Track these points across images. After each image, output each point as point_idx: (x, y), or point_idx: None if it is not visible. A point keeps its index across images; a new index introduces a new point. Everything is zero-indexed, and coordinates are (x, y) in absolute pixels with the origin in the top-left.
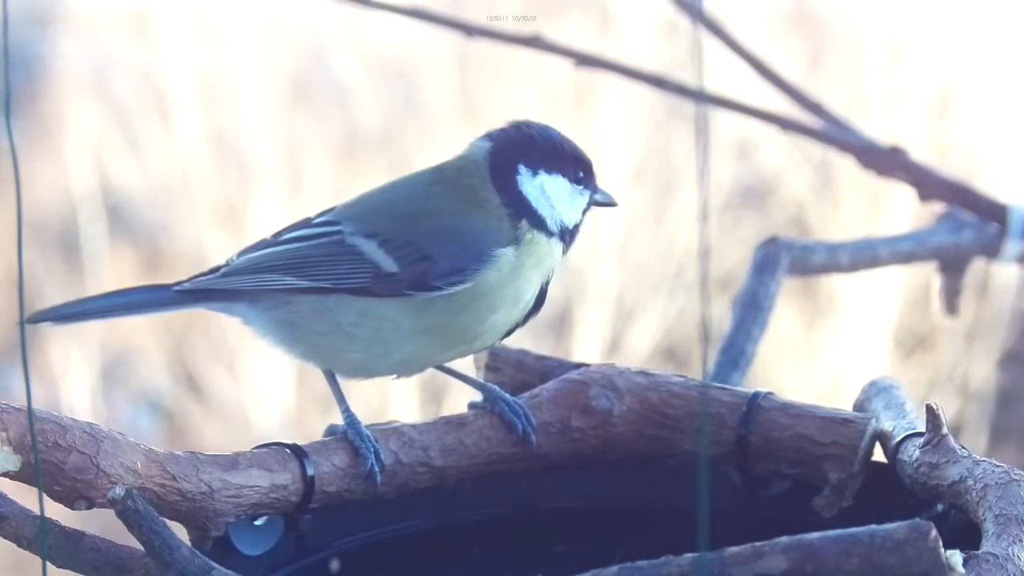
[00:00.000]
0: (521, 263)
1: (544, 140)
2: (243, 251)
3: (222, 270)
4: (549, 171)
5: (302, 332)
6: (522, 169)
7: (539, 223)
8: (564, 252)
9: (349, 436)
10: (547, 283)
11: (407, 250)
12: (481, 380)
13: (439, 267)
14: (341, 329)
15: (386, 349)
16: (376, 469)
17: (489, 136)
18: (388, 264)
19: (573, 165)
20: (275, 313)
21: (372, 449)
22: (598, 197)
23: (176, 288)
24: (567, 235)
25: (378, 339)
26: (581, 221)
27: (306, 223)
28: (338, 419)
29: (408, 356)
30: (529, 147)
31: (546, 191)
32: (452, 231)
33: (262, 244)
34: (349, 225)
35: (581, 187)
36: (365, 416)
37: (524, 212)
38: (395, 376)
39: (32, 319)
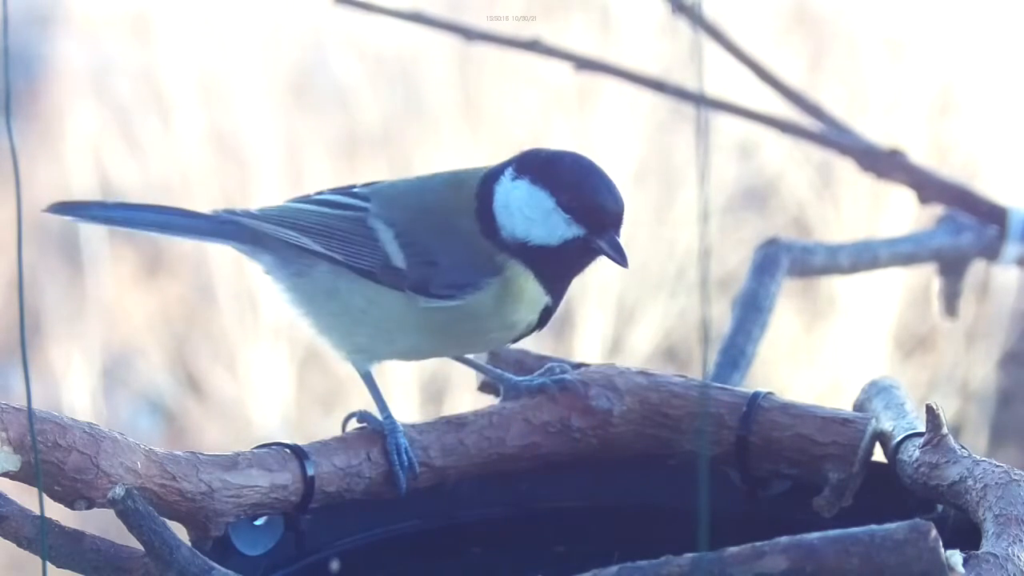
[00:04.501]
0: (503, 297)
1: (556, 159)
2: (288, 200)
3: (260, 210)
4: (533, 182)
5: (317, 308)
6: (507, 172)
7: (493, 233)
8: (546, 284)
9: (388, 446)
10: (547, 309)
11: (417, 249)
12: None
13: (441, 277)
14: (349, 312)
15: (390, 337)
16: (403, 480)
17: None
18: (398, 258)
19: (570, 194)
20: (296, 280)
21: (407, 461)
22: (602, 244)
23: (213, 217)
24: (525, 253)
25: (382, 327)
26: (554, 247)
27: (346, 190)
28: (338, 419)
29: (410, 347)
30: (534, 158)
31: (513, 196)
32: (455, 245)
33: (303, 199)
34: (376, 206)
35: (570, 217)
36: None
37: (485, 219)
38: (403, 359)
39: (57, 208)
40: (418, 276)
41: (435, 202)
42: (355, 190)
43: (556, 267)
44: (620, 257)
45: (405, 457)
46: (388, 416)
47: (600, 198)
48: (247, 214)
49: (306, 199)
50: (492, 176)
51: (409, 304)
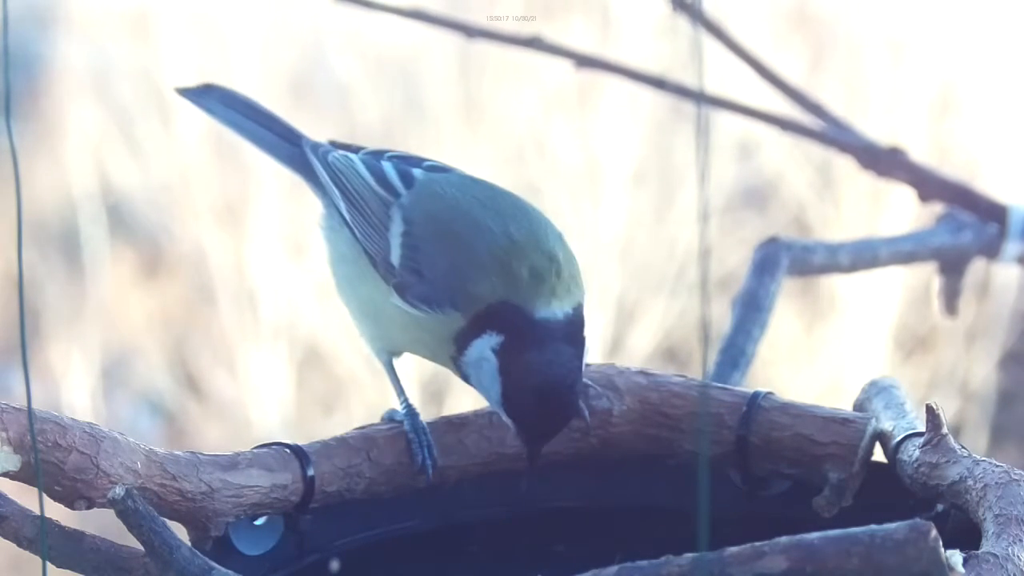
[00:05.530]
0: (458, 336)
1: (532, 360)
2: (368, 151)
3: (336, 156)
4: (499, 371)
5: (334, 264)
6: (487, 337)
7: (458, 349)
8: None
9: (405, 428)
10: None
11: (414, 255)
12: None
13: (419, 288)
14: (349, 279)
15: (372, 318)
16: (428, 464)
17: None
18: (395, 255)
19: (512, 402)
20: (330, 233)
21: (426, 443)
22: (521, 442)
23: (304, 147)
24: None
25: (367, 306)
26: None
27: (410, 164)
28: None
29: (386, 336)
30: (512, 346)
31: (481, 363)
32: (450, 270)
33: (374, 154)
34: (410, 196)
35: (508, 419)
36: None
37: (460, 345)
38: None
39: (189, 91)
40: (403, 279)
41: (464, 231)
42: (415, 170)
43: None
44: (527, 458)
45: (424, 439)
46: (404, 401)
47: (532, 419)
48: (323, 159)
49: (375, 156)
50: (486, 320)
51: (387, 298)
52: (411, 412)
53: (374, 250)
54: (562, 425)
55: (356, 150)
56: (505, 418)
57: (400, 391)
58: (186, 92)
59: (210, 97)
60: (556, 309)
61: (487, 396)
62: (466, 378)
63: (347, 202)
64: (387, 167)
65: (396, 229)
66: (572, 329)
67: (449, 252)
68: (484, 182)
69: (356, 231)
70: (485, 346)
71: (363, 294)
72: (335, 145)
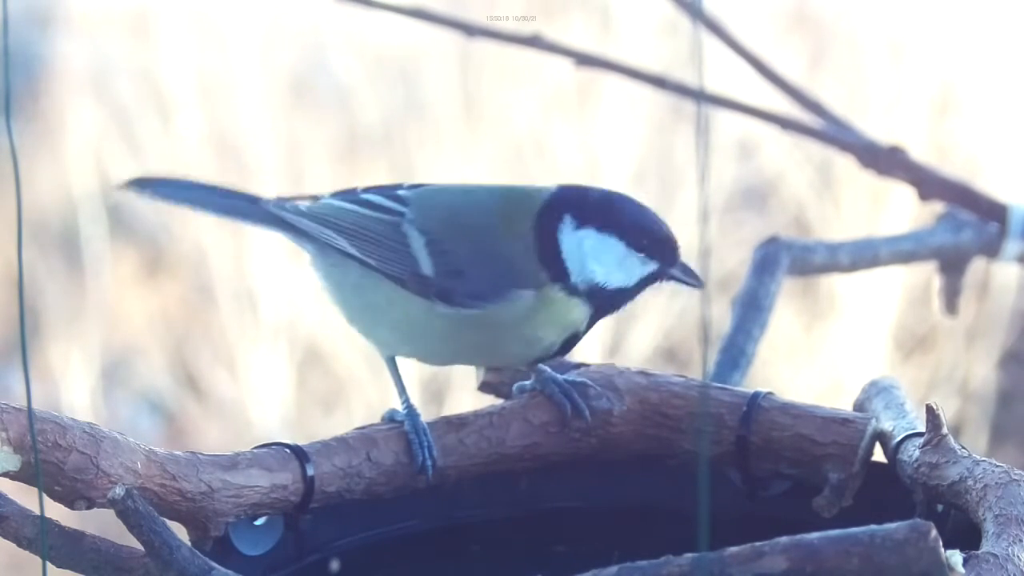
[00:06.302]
0: (535, 313)
1: (607, 202)
2: (334, 193)
3: (307, 205)
4: (600, 230)
5: (346, 298)
6: (567, 219)
7: (562, 276)
8: (595, 314)
9: (406, 428)
10: (573, 336)
11: (446, 259)
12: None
13: (466, 287)
14: (372, 308)
15: (409, 338)
16: (428, 464)
17: (564, 185)
18: (426, 266)
19: (637, 233)
20: (332, 270)
21: (426, 444)
22: (676, 272)
23: (265, 206)
24: (598, 295)
25: (402, 328)
26: (631, 288)
27: (390, 190)
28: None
29: (427, 351)
30: (587, 204)
31: (584, 246)
32: (490, 257)
33: (347, 194)
34: (413, 211)
35: (643, 255)
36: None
37: (550, 261)
38: (422, 361)
39: (131, 184)
40: (444, 284)
41: (476, 218)
42: (399, 192)
43: (620, 303)
44: (694, 279)
45: (424, 439)
46: (405, 401)
47: (664, 231)
48: (294, 209)
49: (351, 195)
50: (548, 217)
51: (430, 310)
52: (412, 412)
53: (399, 271)
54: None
55: (315, 199)
56: (645, 258)
57: (402, 390)
58: (141, 186)
59: (162, 187)
60: (555, 187)
61: (617, 264)
62: (577, 335)
63: (346, 237)
64: (372, 198)
65: (417, 243)
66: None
67: (476, 242)
68: (434, 186)
69: (370, 260)
70: (571, 234)
71: (397, 317)
72: (286, 200)
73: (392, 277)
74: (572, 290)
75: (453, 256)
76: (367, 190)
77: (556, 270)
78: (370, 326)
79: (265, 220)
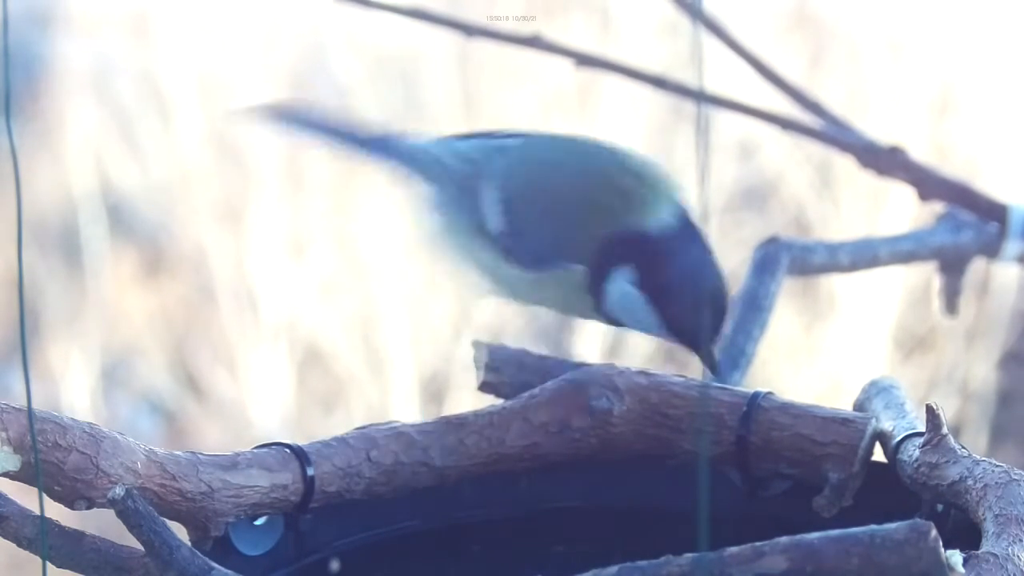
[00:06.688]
0: (576, 297)
1: (669, 274)
2: (432, 139)
3: (410, 143)
4: (647, 301)
5: (437, 242)
6: (623, 270)
7: (597, 296)
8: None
9: None
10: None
11: (512, 218)
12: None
13: (526, 250)
14: (454, 251)
15: (490, 285)
16: None
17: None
18: (493, 223)
19: (679, 323)
20: (424, 216)
21: None
22: (700, 354)
23: (378, 139)
24: (618, 324)
25: (483, 275)
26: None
27: (475, 137)
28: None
29: (509, 299)
30: (650, 267)
31: (626, 300)
32: (557, 226)
33: (441, 138)
34: (491, 167)
35: (674, 337)
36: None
37: (594, 282)
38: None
39: (262, 110)
40: (508, 243)
41: (547, 185)
42: (488, 143)
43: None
44: (711, 368)
45: None
46: None
47: (706, 326)
48: (395, 147)
49: (443, 138)
50: (610, 252)
51: (500, 263)
52: None
53: (467, 224)
54: (723, 314)
55: (423, 138)
56: (673, 339)
57: None
58: (259, 113)
59: (279, 117)
60: (661, 216)
61: (646, 329)
62: (616, 323)
63: (431, 184)
64: (459, 145)
65: (489, 197)
66: (685, 226)
67: (545, 208)
68: (548, 134)
69: (450, 209)
70: (621, 284)
71: (482, 261)
72: (403, 136)
73: (472, 226)
74: (599, 309)
75: (520, 217)
76: (459, 136)
77: (596, 291)
78: (456, 267)
79: (373, 156)
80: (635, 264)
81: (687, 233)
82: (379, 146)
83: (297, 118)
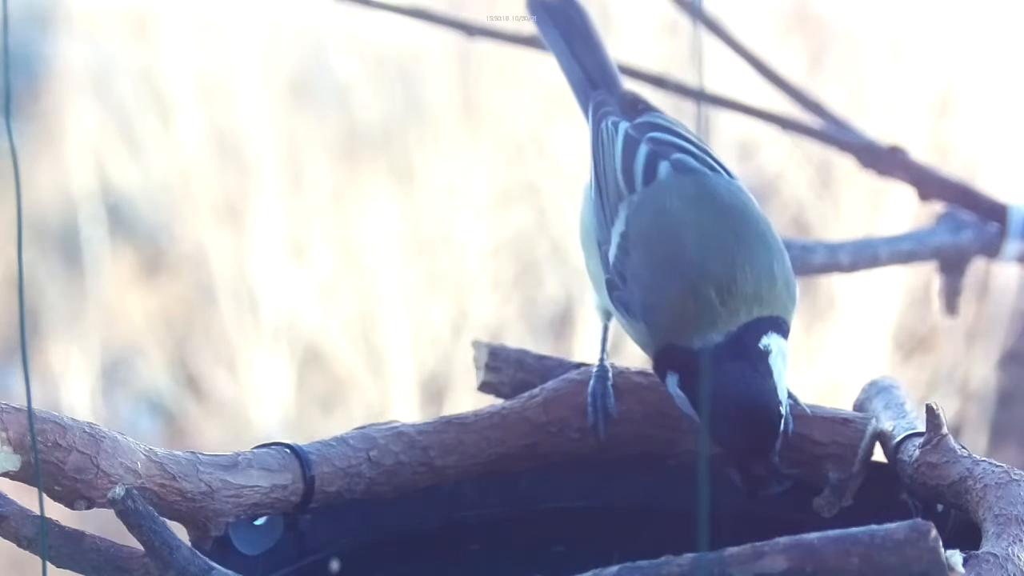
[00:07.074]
0: None
1: (725, 399)
2: (634, 123)
3: (610, 122)
4: (697, 414)
5: (581, 235)
6: (680, 374)
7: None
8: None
9: (589, 386)
10: None
11: (624, 257)
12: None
13: (622, 293)
14: (586, 246)
15: (596, 290)
16: (601, 426)
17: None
18: (612, 252)
19: (717, 429)
20: (586, 194)
21: (602, 409)
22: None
23: (593, 98)
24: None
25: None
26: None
27: (662, 149)
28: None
29: (604, 309)
30: (698, 380)
31: (677, 400)
32: (645, 293)
33: (638, 130)
34: (640, 196)
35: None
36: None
37: (659, 366)
38: None
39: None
40: (612, 278)
41: (664, 252)
42: (661, 166)
43: None
44: (745, 488)
45: (600, 403)
46: (600, 360)
47: (732, 439)
48: (596, 119)
49: (641, 131)
50: (673, 357)
51: (602, 288)
52: (601, 374)
53: (603, 237)
54: (765, 439)
55: (639, 107)
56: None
57: (602, 350)
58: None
59: (551, 11)
60: (716, 334)
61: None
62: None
63: (596, 179)
64: (640, 153)
65: (618, 228)
66: (738, 347)
67: (649, 271)
68: (720, 192)
69: (596, 216)
70: (673, 383)
71: (592, 267)
72: (625, 100)
73: (599, 236)
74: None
75: (630, 262)
76: (652, 138)
77: (661, 376)
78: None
79: (585, 111)
80: (680, 375)
81: (734, 352)
82: (592, 95)
83: (559, 20)
